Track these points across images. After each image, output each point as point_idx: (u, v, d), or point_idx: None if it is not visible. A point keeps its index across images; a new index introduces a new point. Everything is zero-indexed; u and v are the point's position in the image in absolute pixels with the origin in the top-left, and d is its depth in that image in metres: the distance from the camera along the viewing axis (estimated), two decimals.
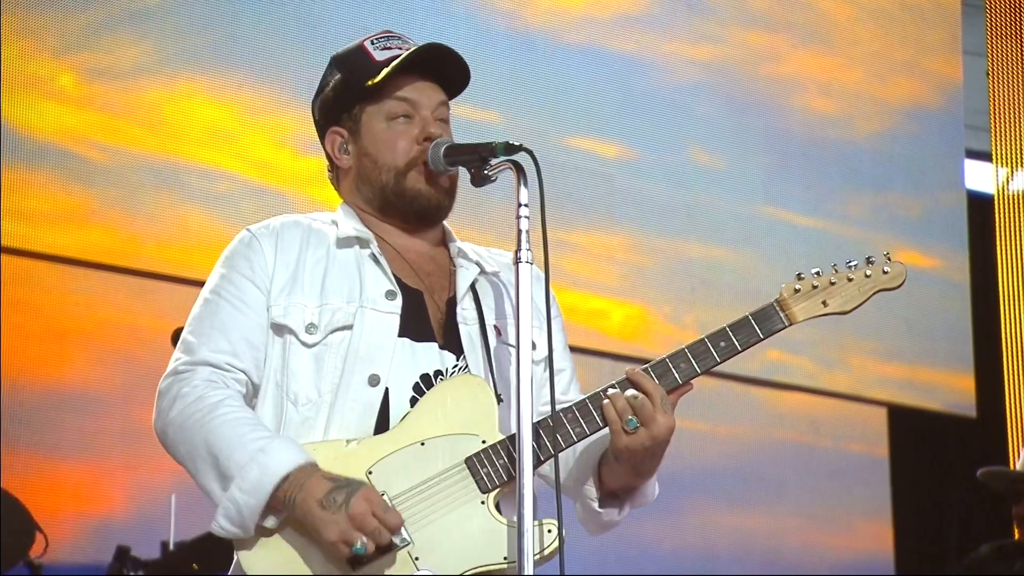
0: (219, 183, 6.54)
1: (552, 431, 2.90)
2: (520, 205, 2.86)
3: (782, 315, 2.99)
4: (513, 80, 7.37)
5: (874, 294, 3.00)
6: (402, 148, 3.04)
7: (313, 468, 2.80)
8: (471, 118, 7.13)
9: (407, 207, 3.04)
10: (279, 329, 2.95)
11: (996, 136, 8.41)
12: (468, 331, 3.00)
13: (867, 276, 3.01)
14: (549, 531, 2.80)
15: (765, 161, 8.14)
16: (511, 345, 2.98)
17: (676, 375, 2.93)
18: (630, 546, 7.25)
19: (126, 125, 6.39)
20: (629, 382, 2.91)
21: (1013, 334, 8.25)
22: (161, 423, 2.91)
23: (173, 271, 6.26)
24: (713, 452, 7.81)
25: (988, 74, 8.39)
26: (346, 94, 3.09)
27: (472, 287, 3.06)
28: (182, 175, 6.48)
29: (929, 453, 8.73)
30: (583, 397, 2.95)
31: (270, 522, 2.81)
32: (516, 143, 2.93)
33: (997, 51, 8.44)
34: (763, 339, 2.97)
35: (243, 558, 2.84)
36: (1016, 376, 8.20)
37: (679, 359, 2.94)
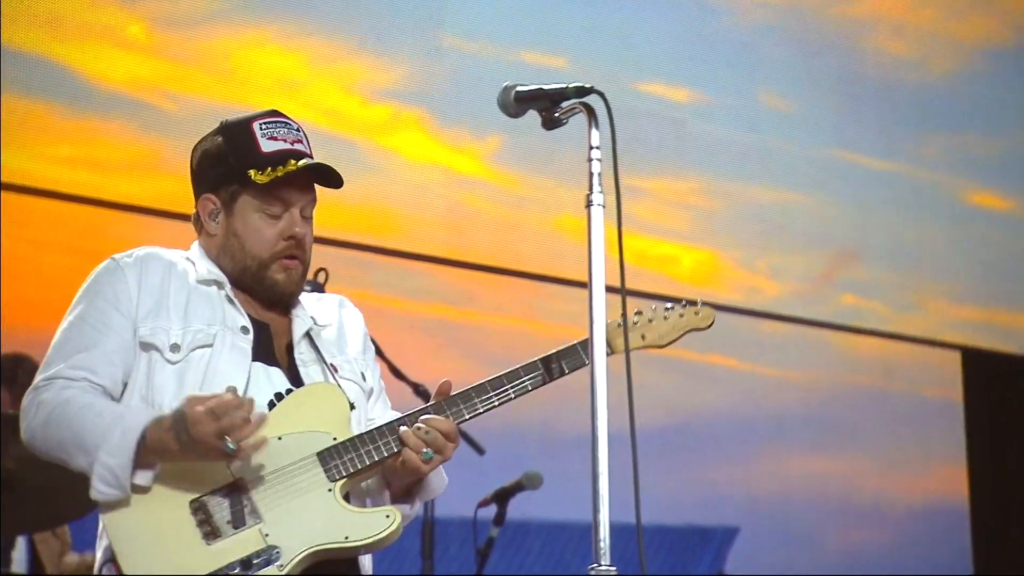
0: None
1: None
2: (592, 148, 2.87)
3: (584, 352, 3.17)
4: (582, 26, 7.33)
5: (686, 332, 3.34)
6: (269, 241, 3.23)
7: (159, 421, 3.00)
8: (540, 64, 7.10)
9: (263, 292, 3.25)
10: (146, 347, 3.15)
11: None
12: (307, 371, 3.23)
13: (680, 316, 3.36)
14: (387, 516, 3.07)
15: (837, 104, 8.06)
16: (349, 379, 3.27)
17: (465, 412, 3.18)
18: (707, 490, 7.26)
19: (196, 74, 6.41)
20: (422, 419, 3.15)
21: None
22: (30, 432, 3.11)
23: None
24: (786, 398, 7.78)
25: None
26: (226, 171, 3.26)
27: (307, 335, 3.28)
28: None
29: (1004, 396, 8.67)
30: (382, 424, 3.16)
31: (143, 479, 3.01)
32: (587, 85, 2.92)
33: None
34: (567, 374, 3.21)
35: (105, 519, 3.04)
36: None
37: (480, 392, 3.19)
